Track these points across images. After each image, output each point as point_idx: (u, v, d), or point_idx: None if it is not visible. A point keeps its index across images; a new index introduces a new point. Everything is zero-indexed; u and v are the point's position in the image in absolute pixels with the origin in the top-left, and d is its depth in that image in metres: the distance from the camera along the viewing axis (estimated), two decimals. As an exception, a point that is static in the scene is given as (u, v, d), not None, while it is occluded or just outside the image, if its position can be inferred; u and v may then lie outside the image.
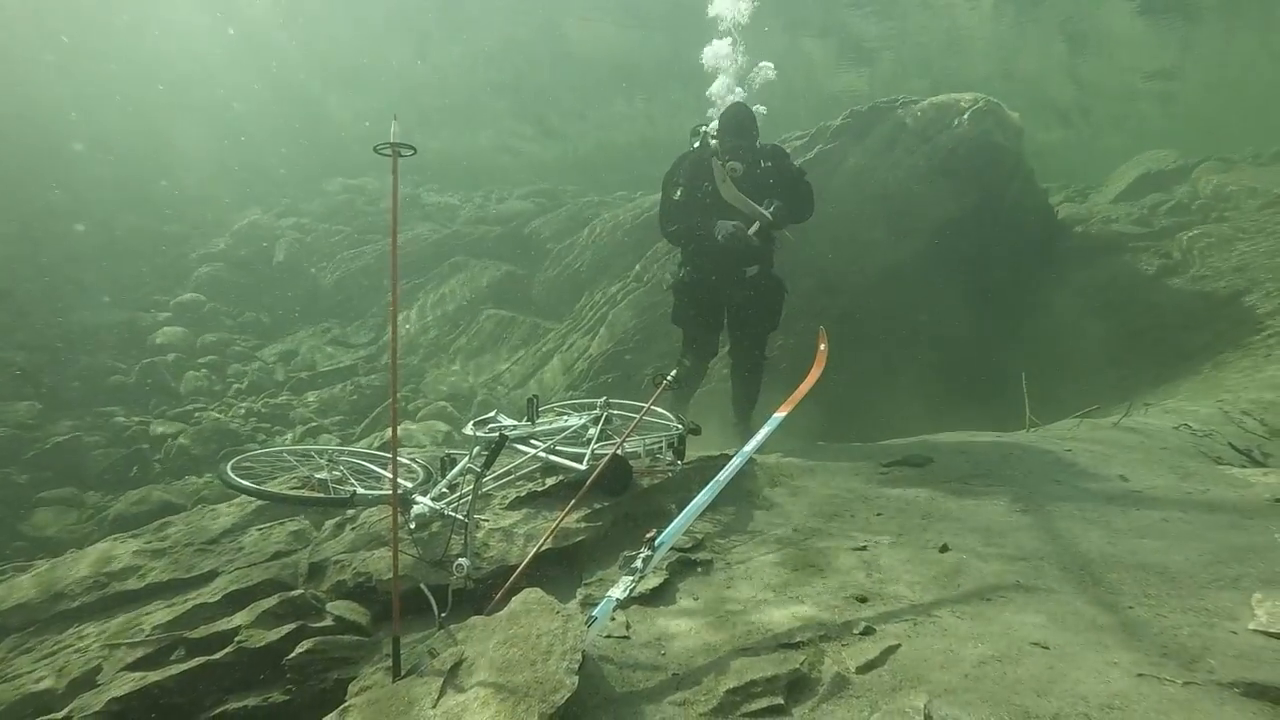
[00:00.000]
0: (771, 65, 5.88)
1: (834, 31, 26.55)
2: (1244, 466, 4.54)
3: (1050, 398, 7.51)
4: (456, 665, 2.12)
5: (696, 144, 5.40)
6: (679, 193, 5.24)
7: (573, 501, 3.10)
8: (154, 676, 2.48)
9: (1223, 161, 14.61)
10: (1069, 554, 2.94)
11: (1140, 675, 2.01)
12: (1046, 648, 2.20)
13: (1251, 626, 2.26)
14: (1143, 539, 3.04)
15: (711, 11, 6.02)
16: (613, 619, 2.51)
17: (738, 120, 5.07)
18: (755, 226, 5.02)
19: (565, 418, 4.16)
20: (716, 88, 5.83)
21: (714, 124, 5.29)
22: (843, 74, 29.09)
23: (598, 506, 3.35)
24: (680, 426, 4.09)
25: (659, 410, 4.28)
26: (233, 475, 3.54)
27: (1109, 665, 2.08)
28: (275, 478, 3.98)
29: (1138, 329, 9.87)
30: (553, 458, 3.60)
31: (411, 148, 2.21)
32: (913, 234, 9.79)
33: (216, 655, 2.54)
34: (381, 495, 3.40)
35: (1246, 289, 9.66)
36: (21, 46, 22.41)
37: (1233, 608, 2.39)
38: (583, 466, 3.44)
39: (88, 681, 2.63)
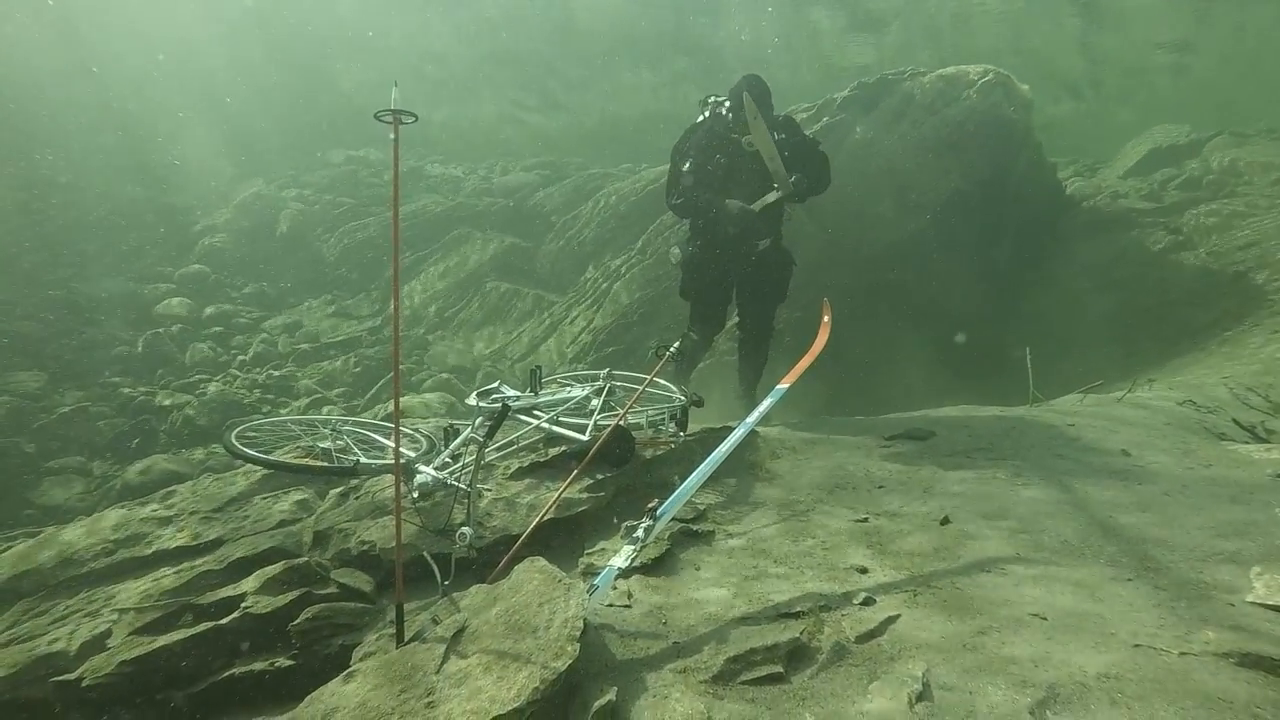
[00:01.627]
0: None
1: (842, 2, 26.10)
2: (1248, 443, 4.54)
3: (1054, 373, 7.50)
4: (459, 632, 2.14)
5: (705, 115, 5.33)
6: (688, 165, 5.17)
7: (575, 472, 3.12)
8: (162, 641, 2.52)
9: (1236, 136, 14.41)
10: (1069, 527, 2.95)
11: (1137, 646, 2.03)
12: (1045, 618, 2.22)
13: (1249, 599, 2.27)
14: (1144, 513, 3.05)
15: None
16: (614, 588, 2.53)
17: (752, 91, 4.99)
18: (770, 198, 4.95)
19: (568, 389, 4.17)
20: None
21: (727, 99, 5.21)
22: (850, 45, 28.65)
23: (600, 477, 3.37)
24: (683, 398, 4.09)
25: (662, 382, 4.28)
26: (238, 444, 3.57)
27: (1106, 636, 2.09)
28: (280, 447, 4.01)
29: (1145, 305, 9.82)
30: (555, 428, 3.61)
31: (413, 114, 2.18)
32: (919, 208, 9.72)
33: (223, 621, 2.57)
34: (385, 465, 3.42)
35: (1256, 266, 9.58)
36: (21, 16, 22.18)
37: (1231, 581, 2.40)
38: (585, 437, 3.45)
39: (98, 645, 2.67)
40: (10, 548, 3.64)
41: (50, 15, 23.37)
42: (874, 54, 28.33)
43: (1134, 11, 25.57)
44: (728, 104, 5.17)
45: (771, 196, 4.97)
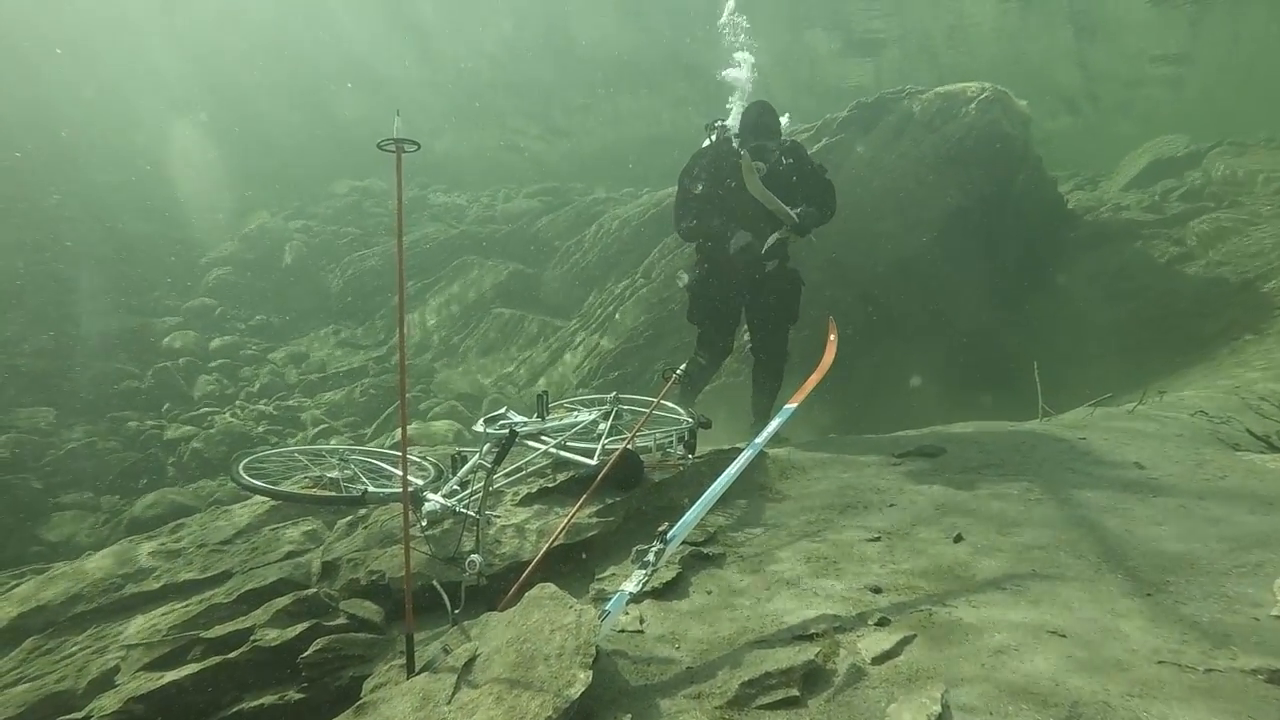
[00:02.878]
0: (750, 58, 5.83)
1: (839, 24, 26.41)
2: (1263, 453, 4.49)
3: (1063, 386, 7.46)
4: (470, 661, 2.12)
5: (712, 138, 5.35)
6: (699, 188, 5.15)
7: (584, 497, 3.10)
8: (171, 676, 2.49)
9: (1236, 146, 14.45)
10: (1085, 542, 2.91)
11: (1161, 663, 1.99)
12: (1064, 636, 2.18)
13: (1274, 613, 2.22)
14: (1160, 526, 3.01)
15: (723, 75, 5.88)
16: (626, 613, 2.50)
17: (761, 119, 5.01)
18: (776, 236, 4.99)
19: (575, 413, 4.16)
20: (732, 74, 5.77)
21: (732, 119, 5.23)
22: (848, 66, 28.93)
23: (609, 501, 3.35)
24: (691, 420, 4.07)
25: (669, 405, 4.27)
26: (245, 475, 3.56)
27: (1128, 653, 2.05)
28: (287, 477, 3.99)
29: (1151, 316, 9.79)
30: (563, 453, 3.59)
31: (415, 143, 2.20)
32: (921, 225, 9.75)
33: (232, 654, 2.54)
34: (393, 493, 3.41)
35: (1263, 274, 9.56)
36: (29, 55, 22.58)
37: (1255, 594, 2.36)
38: (594, 462, 3.43)
39: (106, 681, 2.64)
40: (18, 584, 3.62)
41: (59, 57, 23.79)
42: (872, 74, 28.61)
43: (1128, 25, 25.80)
44: (733, 121, 5.21)
45: (774, 238, 5.00)
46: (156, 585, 3.23)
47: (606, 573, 2.99)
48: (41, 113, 19.48)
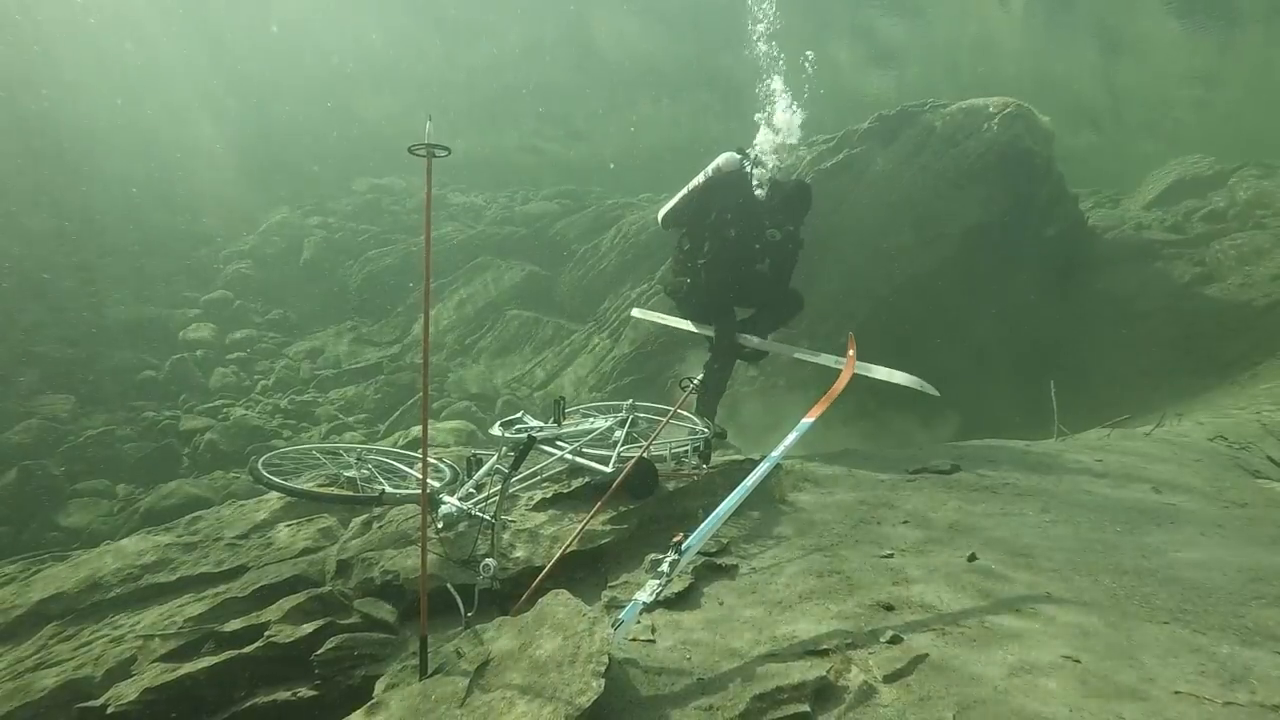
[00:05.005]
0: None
1: (861, 35, 26.37)
2: (1282, 480, 4.44)
3: (1079, 406, 7.40)
4: (483, 666, 2.13)
5: (747, 169, 5.40)
6: (732, 232, 5.30)
7: (599, 504, 3.11)
8: (186, 668, 2.52)
9: (1263, 167, 14.28)
10: (1100, 567, 2.89)
11: (1177, 693, 1.97)
12: (1078, 661, 2.16)
13: (1294, 645, 2.20)
14: (1178, 553, 2.98)
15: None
16: (638, 622, 2.51)
17: (798, 203, 5.35)
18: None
19: (591, 420, 4.17)
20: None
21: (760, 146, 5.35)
22: (869, 77, 28.86)
23: (624, 509, 3.35)
24: (706, 430, 4.08)
25: (685, 414, 4.27)
26: (264, 471, 3.59)
27: (1145, 682, 2.04)
28: (304, 475, 4.03)
29: (1170, 337, 9.70)
30: (579, 460, 3.60)
31: (446, 148, 2.22)
32: (940, 239, 9.70)
33: (246, 649, 2.57)
34: (410, 494, 3.43)
35: (1286, 298, 9.45)
36: (59, 52, 22.90)
37: (1274, 626, 2.34)
38: (609, 469, 3.44)
39: (123, 671, 2.68)
40: (39, 570, 3.68)
41: (88, 53, 24.12)
42: (894, 86, 28.50)
43: (1156, 45, 25.61)
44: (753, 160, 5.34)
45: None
46: (173, 577, 3.26)
47: (619, 580, 2.99)
48: (70, 107, 19.74)
